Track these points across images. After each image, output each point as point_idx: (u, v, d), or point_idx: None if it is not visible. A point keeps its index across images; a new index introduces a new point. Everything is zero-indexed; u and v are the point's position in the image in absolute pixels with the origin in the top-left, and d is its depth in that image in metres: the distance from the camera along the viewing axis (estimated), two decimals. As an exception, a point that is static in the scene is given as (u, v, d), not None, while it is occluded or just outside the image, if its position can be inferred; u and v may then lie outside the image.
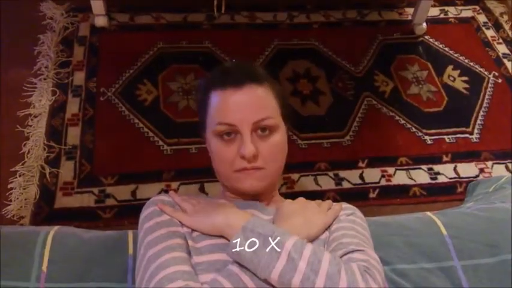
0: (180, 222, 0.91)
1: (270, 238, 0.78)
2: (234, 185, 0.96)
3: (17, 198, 1.53)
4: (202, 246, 0.87)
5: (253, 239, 0.78)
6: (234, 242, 0.79)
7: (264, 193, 1.00)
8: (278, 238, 0.78)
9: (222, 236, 0.86)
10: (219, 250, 0.85)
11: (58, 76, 1.86)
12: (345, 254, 0.85)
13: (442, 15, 2.33)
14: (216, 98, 0.95)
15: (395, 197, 1.68)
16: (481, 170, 1.77)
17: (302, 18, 2.22)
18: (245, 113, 0.91)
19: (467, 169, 1.77)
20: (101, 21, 2.02)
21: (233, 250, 0.79)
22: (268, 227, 0.81)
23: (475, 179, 1.73)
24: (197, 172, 1.64)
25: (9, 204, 1.51)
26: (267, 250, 0.77)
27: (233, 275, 0.78)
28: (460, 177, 1.75)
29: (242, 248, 0.78)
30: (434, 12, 2.32)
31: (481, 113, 1.95)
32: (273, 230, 0.80)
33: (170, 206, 0.93)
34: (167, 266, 0.80)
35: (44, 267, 0.99)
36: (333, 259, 0.79)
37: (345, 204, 1.02)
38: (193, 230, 0.90)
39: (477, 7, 2.39)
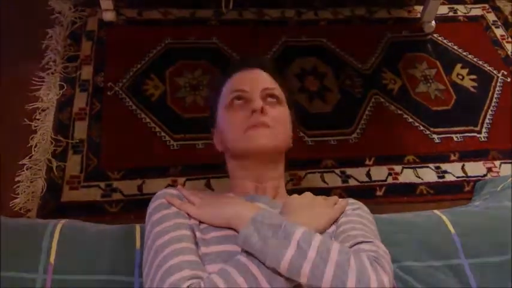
0: (187, 214, 0.91)
1: (279, 228, 0.78)
2: (245, 145, 0.98)
3: (24, 192, 1.53)
4: (210, 238, 0.87)
5: (263, 230, 0.78)
6: (243, 232, 0.79)
7: (272, 158, 1.02)
8: (287, 228, 0.79)
9: (229, 228, 0.87)
10: (227, 241, 0.86)
11: (66, 70, 1.87)
12: (354, 245, 0.85)
13: (451, 14, 2.32)
14: (228, 82, 1.07)
15: (402, 195, 1.67)
16: (489, 169, 1.76)
17: (310, 15, 2.21)
18: (255, 82, 1.04)
19: (475, 168, 1.76)
20: (109, 16, 2.02)
21: (242, 240, 0.79)
22: (277, 218, 0.82)
23: (482, 178, 1.72)
24: (204, 168, 1.64)
25: (17, 198, 1.52)
26: (277, 240, 0.77)
27: (241, 264, 0.78)
28: (467, 176, 1.74)
29: (252, 238, 0.78)
30: (444, 10, 2.31)
31: (490, 112, 1.94)
32: (282, 221, 0.80)
33: (178, 199, 0.94)
34: (175, 256, 0.80)
35: (52, 259, 0.99)
36: (342, 248, 0.79)
37: (351, 200, 1.02)
38: (200, 222, 0.90)
39: (486, 5, 2.37)
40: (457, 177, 1.73)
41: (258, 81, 1.04)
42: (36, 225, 1.07)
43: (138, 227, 1.09)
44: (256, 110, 0.97)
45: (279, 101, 1.04)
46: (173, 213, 0.90)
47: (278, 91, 1.05)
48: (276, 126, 0.99)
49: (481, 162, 1.78)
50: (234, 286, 0.75)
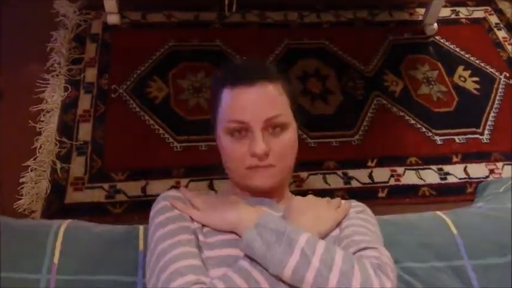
0: (190, 217, 0.91)
1: (282, 234, 0.78)
2: (245, 183, 0.96)
3: (28, 193, 1.55)
4: (213, 242, 0.87)
5: (266, 235, 0.78)
6: (246, 237, 0.79)
7: (275, 190, 0.99)
8: (291, 234, 0.78)
9: (232, 232, 0.87)
10: (230, 245, 0.85)
11: (70, 73, 1.88)
12: (357, 251, 0.85)
13: (453, 16, 2.32)
14: (228, 96, 0.94)
15: (405, 196, 1.68)
16: (491, 171, 1.76)
17: (313, 18, 2.22)
18: (256, 111, 0.91)
19: (477, 170, 1.77)
20: (113, 18, 2.04)
21: (245, 245, 0.79)
22: (281, 223, 0.81)
23: (485, 179, 1.72)
24: (207, 169, 1.64)
25: (21, 199, 1.53)
26: (280, 246, 0.77)
27: (243, 270, 0.78)
28: (470, 178, 1.74)
29: (255, 244, 0.78)
30: (446, 12, 2.31)
31: (492, 113, 1.94)
32: (286, 226, 0.80)
33: (181, 202, 0.93)
34: (177, 260, 0.80)
35: (56, 260, 1.00)
36: (346, 256, 0.79)
37: (354, 202, 1.02)
38: (203, 226, 0.90)
39: (489, 8, 2.38)
40: (460, 179, 1.74)
41: (259, 108, 0.91)
42: (40, 226, 1.07)
43: (141, 228, 1.10)
44: (258, 155, 0.90)
45: (283, 127, 0.94)
46: (176, 217, 0.90)
47: (282, 117, 0.93)
48: (280, 162, 0.93)
49: (484, 164, 1.79)
50: None
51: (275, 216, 0.85)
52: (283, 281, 0.78)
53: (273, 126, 0.93)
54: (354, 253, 0.84)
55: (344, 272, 0.76)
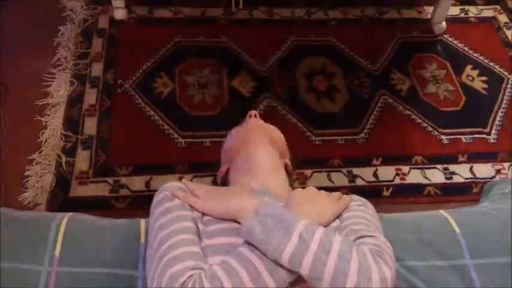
0: (191, 207, 0.91)
1: (282, 220, 0.79)
2: (246, 151, 1.08)
3: (33, 186, 1.56)
4: (213, 230, 0.87)
5: (266, 222, 0.79)
6: (247, 224, 0.80)
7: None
8: (290, 220, 0.79)
9: (232, 221, 0.87)
10: (230, 234, 0.86)
11: (77, 67, 1.89)
12: (357, 239, 0.85)
13: (462, 15, 2.30)
14: None
15: (409, 195, 1.67)
16: (498, 171, 1.75)
17: (320, 15, 2.21)
18: None
19: (484, 170, 1.75)
20: (120, 14, 2.04)
21: (246, 233, 0.79)
22: (281, 210, 0.82)
23: (491, 180, 1.71)
24: (211, 165, 1.62)
25: (26, 192, 1.54)
26: (279, 232, 0.77)
27: (242, 256, 0.79)
28: (476, 178, 1.73)
29: (255, 230, 0.78)
30: (455, 11, 2.29)
31: (499, 113, 1.93)
32: (285, 213, 0.81)
33: (182, 192, 0.94)
34: (177, 247, 0.81)
35: (57, 252, 1.00)
36: (344, 241, 0.79)
37: (355, 196, 1.02)
38: (204, 215, 0.91)
39: (498, 7, 2.35)
40: (466, 178, 1.72)
41: None
42: (42, 218, 1.08)
43: (143, 222, 1.10)
44: (251, 115, 1.09)
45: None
46: (176, 206, 0.90)
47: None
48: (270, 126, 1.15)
49: (490, 164, 1.77)
50: (236, 277, 0.75)
51: (275, 204, 0.86)
52: (282, 267, 0.78)
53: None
54: (354, 241, 0.84)
55: (342, 257, 0.76)
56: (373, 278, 0.75)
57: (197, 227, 0.88)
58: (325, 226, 0.89)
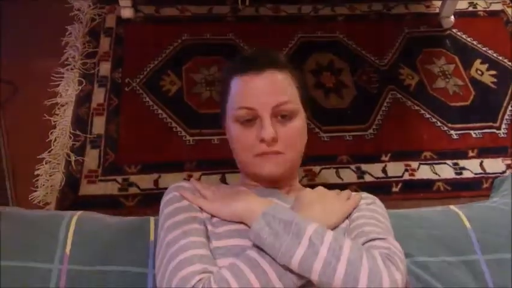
0: (200, 208, 0.91)
1: (291, 224, 0.78)
2: (253, 170, 0.96)
3: (43, 185, 1.57)
4: (222, 232, 0.87)
5: (275, 225, 0.78)
6: (255, 227, 0.79)
7: (283, 179, 1.00)
8: (299, 224, 0.78)
9: (241, 222, 0.86)
10: (238, 236, 0.85)
11: (84, 66, 1.90)
12: (367, 242, 0.84)
13: (470, 8, 2.28)
14: (237, 84, 0.97)
15: (419, 191, 1.66)
16: (508, 166, 1.73)
17: (327, 11, 2.20)
18: (265, 97, 0.92)
19: (494, 165, 1.74)
20: (127, 12, 2.05)
21: (254, 235, 0.79)
22: (289, 213, 0.81)
23: (501, 174, 1.69)
24: (219, 163, 1.64)
25: (36, 191, 1.55)
26: (288, 236, 0.77)
27: (251, 259, 0.78)
28: (486, 173, 1.71)
29: (263, 233, 0.78)
30: (463, 5, 2.27)
31: (509, 108, 1.91)
32: (294, 216, 0.80)
33: (190, 193, 0.94)
34: (186, 250, 0.80)
35: (67, 250, 1.01)
36: (354, 245, 0.78)
37: (364, 194, 1.01)
38: (212, 216, 0.90)
39: (507, 0, 2.33)
40: (475, 174, 1.71)
41: (267, 94, 0.93)
42: (53, 216, 1.09)
43: (152, 220, 1.11)
44: (266, 140, 0.91)
45: (291, 115, 0.95)
46: (185, 207, 0.90)
47: (290, 104, 0.95)
48: (288, 150, 0.94)
49: (500, 158, 1.76)
50: (244, 281, 0.75)
51: (283, 207, 0.85)
52: (291, 271, 0.77)
53: (281, 114, 0.94)
54: (363, 244, 0.83)
55: (352, 262, 0.75)
56: (383, 282, 0.75)
57: (206, 228, 0.88)
58: (334, 227, 0.88)
